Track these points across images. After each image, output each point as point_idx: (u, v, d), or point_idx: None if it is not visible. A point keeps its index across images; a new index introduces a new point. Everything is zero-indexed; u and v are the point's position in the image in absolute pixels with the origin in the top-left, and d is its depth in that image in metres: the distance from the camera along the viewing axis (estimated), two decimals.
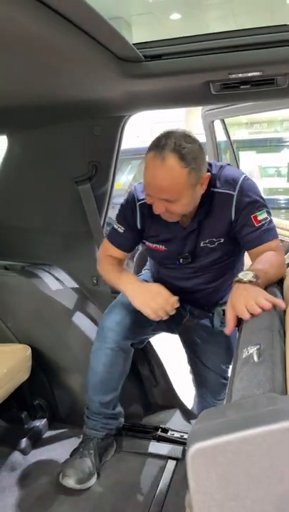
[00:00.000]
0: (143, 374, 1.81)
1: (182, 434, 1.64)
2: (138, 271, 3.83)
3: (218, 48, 1.14)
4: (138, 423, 1.70)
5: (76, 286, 1.85)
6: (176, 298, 1.31)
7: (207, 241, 1.34)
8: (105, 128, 1.55)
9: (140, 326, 1.46)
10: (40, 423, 1.72)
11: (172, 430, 1.66)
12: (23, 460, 1.56)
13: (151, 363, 1.83)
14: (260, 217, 1.27)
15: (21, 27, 0.80)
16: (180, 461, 1.53)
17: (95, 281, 1.83)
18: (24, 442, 1.60)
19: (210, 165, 1.29)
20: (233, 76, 1.14)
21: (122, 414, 1.56)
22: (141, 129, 7.38)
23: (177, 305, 1.31)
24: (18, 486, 1.44)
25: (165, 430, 1.66)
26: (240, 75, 1.14)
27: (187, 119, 9.88)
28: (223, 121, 2.50)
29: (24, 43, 0.88)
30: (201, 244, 1.35)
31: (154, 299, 1.29)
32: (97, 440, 1.48)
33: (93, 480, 1.43)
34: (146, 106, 1.40)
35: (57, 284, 1.77)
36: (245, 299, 0.97)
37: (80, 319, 1.74)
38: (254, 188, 1.30)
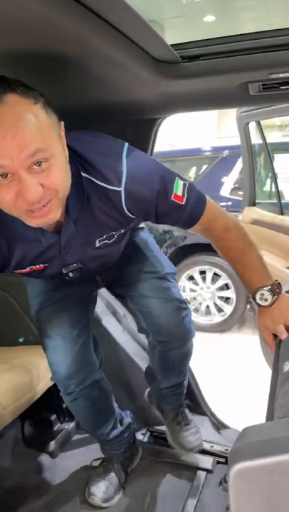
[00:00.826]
0: None
1: (212, 444, 1.60)
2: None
3: (257, 48, 1.10)
4: (161, 430, 1.67)
5: (106, 289, 1.84)
6: None
7: (104, 237, 1.06)
8: (139, 130, 1.53)
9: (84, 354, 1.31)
10: (69, 426, 1.72)
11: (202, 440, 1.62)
12: (50, 463, 1.56)
13: None
14: (179, 192, 1.02)
15: (58, 28, 0.79)
16: (210, 472, 1.49)
17: None
18: (52, 445, 1.60)
19: None
20: (274, 76, 1.10)
21: (131, 423, 1.52)
22: (171, 133, 7.37)
23: None
24: (45, 489, 1.43)
25: None
26: (280, 75, 1.10)
27: (219, 123, 9.81)
28: (258, 124, 2.45)
29: (60, 45, 0.88)
30: (97, 245, 1.06)
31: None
32: (118, 456, 1.47)
33: (119, 495, 1.41)
34: (182, 108, 1.37)
35: None
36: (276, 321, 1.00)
37: (109, 323, 1.73)
38: (145, 170, 1.00)
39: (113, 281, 1.38)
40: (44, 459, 1.57)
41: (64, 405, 1.72)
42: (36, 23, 0.76)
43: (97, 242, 1.06)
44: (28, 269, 1.05)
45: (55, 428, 1.67)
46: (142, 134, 1.56)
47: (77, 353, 1.28)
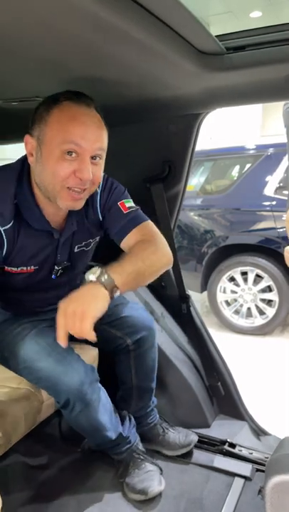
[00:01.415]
0: (210, 384, 1.73)
1: (251, 451, 1.54)
2: (207, 274, 3.75)
3: None
4: (204, 434, 1.63)
5: (144, 287, 1.82)
6: None
7: (82, 244, 1.26)
8: (181, 126, 1.50)
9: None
10: None
11: (240, 446, 1.57)
12: (86, 462, 1.55)
13: (220, 373, 1.74)
14: (128, 204, 1.25)
15: (101, 21, 0.78)
16: (248, 480, 1.43)
17: (164, 285, 1.79)
18: (87, 443, 1.59)
19: None
20: None
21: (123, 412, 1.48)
22: (212, 130, 7.26)
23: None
24: (81, 487, 1.43)
25: (232, 445, 1.57)
26: None
27: (264, 120, 9.55)
28: None
29: (102, 39, 0.86)
30: (76, 250, 1.25)
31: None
32: (134, 448, 1.44)
33: (160, 486, 1.36)
34: (226, 102, 1.33)
35: None
36: (71, 314, 0.99)
37: None
38: (115, 182, 1.30)
39: None
40: (80, 456, 1.57)
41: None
42: (80, 16, 0.75)
43: (76, 247, 1.25)
44: (18, 269, 1.16)
45: None
46: (183, 130, 1.53)
47: (74, 356, 1.23)
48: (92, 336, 0.99)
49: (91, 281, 1.04)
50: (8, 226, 1.09)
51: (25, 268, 1.17)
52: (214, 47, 1.05)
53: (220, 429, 1.68)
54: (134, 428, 1.47)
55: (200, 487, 1.42)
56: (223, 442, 1.59)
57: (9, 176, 1.12)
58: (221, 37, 1.09)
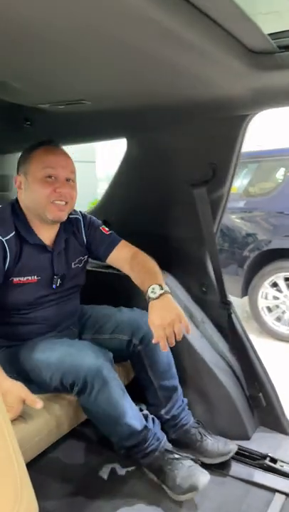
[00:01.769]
0: (251, 395, 1.67)
1: None
2: (248, 278, 3.65)
3: None
4: (244, 447, 1.57)
5: (184, 292, 1.79)
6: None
7: (76, 261, 1.52)
8: (227, 128, 1.46)
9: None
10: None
11: (282, 461, 1.50)
12: (122, 465, 1.54)
13: (262, 383, 1.68)
14: (107, 228, 1.58)
15: (153, 22, 0.76)
16: None
17: (204, 290, 1.74)
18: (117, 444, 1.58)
19: None
20: None
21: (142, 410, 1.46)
22: (257, 132, 7.09)
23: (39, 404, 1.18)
24: (116, 492, 1.41)
25: (274, 460, 1.50)
26: None
27: None
28: None
29: (155, 40, 0.84)
30: (73, 266, 1.50)
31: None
32: (165, 446, 1.39)
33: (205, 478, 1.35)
34: (276, 102, 1.27)
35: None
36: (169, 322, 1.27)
37: None
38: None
39: (84, 327, 1.59)
40: (117, 460, 1.55)
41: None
42: (132, 19, 0.73)
43: (72, 264, 1.50)
44: (25, 279, 1.37)
45: None
46: (230, 132, 1.48)
47: (86, 342, 1.38)
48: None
49: (159, 294, 1.33)
50: (9, 237, 1.33)
51: (29, 278, 1.38)
52: (266, 45, 1.01)
53: (261, 442, 1.62)
54: (159, 426, 1.44)
55: (238, 501, 1.37)
56: (264, 456, 1.52)
57: (5, 208, 1.42)
58: (273, 35, 1.04)
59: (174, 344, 1.28)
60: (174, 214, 1.75)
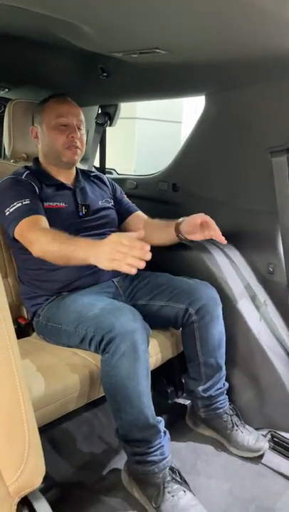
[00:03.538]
0: None
1: None
2: None
3: None
4: (287, 439, 1.47)
5: (249, 270, 1.66)
6: (141, 242, 1.06)
7: (104, 200, 1.65)
8: None
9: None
10: (185, 402, 1.65)
11: None
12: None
13: None
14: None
15: None
16: None
17: (271, 270, 1.60)
18: (164, 417, 1.55)
19: None
20: None
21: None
22: None
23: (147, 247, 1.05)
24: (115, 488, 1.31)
25: None
26: None
27: None
28: None
29: None
30: (100, 203, 1.62)
31: (114, 254, 1.06)
32: (170, 466, 1.23)
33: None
34: None
35: (227, 263, 1.62)
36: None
37: (245, 307, 1.56)
38: None
39: (134, 291, 1.55)
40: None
41: (183, 380, 1.65)
42: None
43: (100, 202, 1.63)
44: (54, 204, 1.50)
45: (170, 401, 1.63)
46: None
47: (128, 307, 1.29)
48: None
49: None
50: (25, 175, 1.50)
51: (58, 204, 1.51)
52: None
53: None
54: (169, 442, 1.27)
55: (275, 497, 1.29)
56: None
57: (20, 168, 1.57)
58: None
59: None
60: (248, 184, 1.60)
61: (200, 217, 1.45)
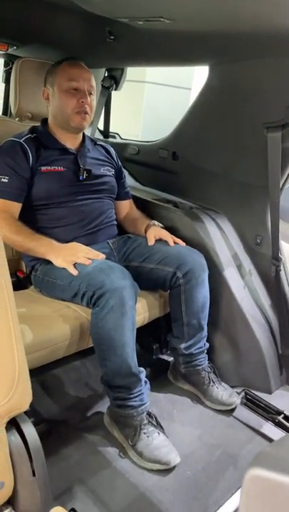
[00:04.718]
0: (283, 353, 1.65)
1: None
2: None
3: None
4: (262, 399, 1.59)
5: (238, 240, 1.74)
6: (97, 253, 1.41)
7: (105, 168, 1.71)
8: None
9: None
10: (168, 358, 1.78)
11: None
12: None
13: None
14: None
15: None
16: None
17: (259, 242, 1.68)
18: (148, 371, 1.68)
19: None
20: None
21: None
22: None
23: (102, 256, 1.41)
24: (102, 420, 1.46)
25: (287, 418, 1.51)
26: None
27: None
28: None
29: None
30: (102, 170, 1.68)
31: (73, 257, 1.38)
32: (148, 411, 1.37)
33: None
34: None
35: (218, 233, 1.70)
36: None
37: (231, 275, 1.66)
38: None
39: (127, 253, 1.65)
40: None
41: (168, 339, 1.76)
42: None
43: (102, 169, 1.69)
44: (51, 168, 1.55)
45: (155, 356, 1.75)
46: None
47: (119, 266, 1.40)
48: None
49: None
50: (24, 138, 1.55)
51: (56, 167, 1.56)
52: None
53: (281, 399, 1.63)
54: (148, 391, 1.40)
55: (240, 445, 1.42)
56: (279, 413, 1.54)
57: (25, 131, 1.63)
58: None
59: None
60: (243, 158, 1.66)
61: (160, 237, 1.63)
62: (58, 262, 1.40)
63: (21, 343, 0.78)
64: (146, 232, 1.68)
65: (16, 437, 0.79)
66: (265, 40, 1.30)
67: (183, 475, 1.28)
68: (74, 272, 1.36)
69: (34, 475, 0.80)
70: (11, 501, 0.81)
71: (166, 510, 1.16)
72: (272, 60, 1.41)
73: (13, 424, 0.80)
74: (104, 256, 1.41)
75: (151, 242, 1.61)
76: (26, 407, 0.80)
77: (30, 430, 0.81)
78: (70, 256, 1.39)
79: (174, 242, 1.60)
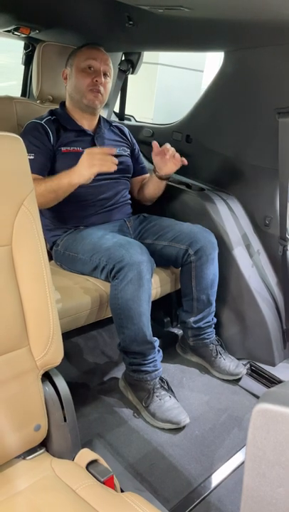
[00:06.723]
0: (288, 329, 1.75)
1: None
2: None
3: None
4: (266, 370, 1.71)
5: (247, 221, 1.83)
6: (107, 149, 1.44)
7: (121, 148, 1.80)
8: None
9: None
10: (178, 332, 1.89)
11: None
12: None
13: None
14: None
15: None
16: None
17: (267, 223, 1.77)
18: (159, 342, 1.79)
19: None
20: None
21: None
22: None
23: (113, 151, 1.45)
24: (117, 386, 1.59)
25: None
26: None
27: None
28: None
29: None
30: (117, 150, 1.73)
31: (93, 160, 1.41)
32: (161, 377, 1.49)
33: None
34: None
35: (228, 212, 1.79)
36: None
37: (240, 253, 1.75)
38: None
39: (142, 231, 1.74)
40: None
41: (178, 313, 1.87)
42: None
43: (117, 149, 1.74)
44: (71, 148, 1.65)
45: (166, 329, 1.86)
46: None
47: (137, 243, 1.48)
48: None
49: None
50: (45, 120, 1.65)
51: (75, 148, 1.65)
52: None
53: (283, 371, 1.74)
54: (161, 358, 1.51)
55: (245, 410, 1.54)
56: (281, 382, 1.65)
57: (45, 113, 1.72)
58: None
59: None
60: (255, 141, 1.73)
61: (159, 151, 1.66)
62: (86, 177, 1.44)
63: (55, 307, 0.89)
64: (154, 171, 1.76)
65: (49, 388, 0.91)
66: (280, 27, 1.36)
67: (192, 434, 1.40)
68: (104, 169, 1.41)
69: (65, 420, 0.92)
70: (45, 443, 0.93)
71: (177, 462, 1.28)
72: (286, 47, 1.47)
73: (46, 377, 0.92)
74: (115, 149, 1.49)
75: (156, 148, 1.64)
76: (58, 362, 0.91)
77: (61, 382, 0.93)
78: (90, 167, 1.41)
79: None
